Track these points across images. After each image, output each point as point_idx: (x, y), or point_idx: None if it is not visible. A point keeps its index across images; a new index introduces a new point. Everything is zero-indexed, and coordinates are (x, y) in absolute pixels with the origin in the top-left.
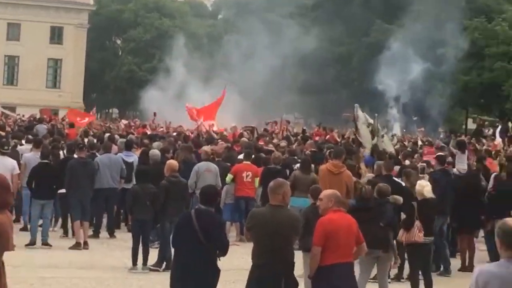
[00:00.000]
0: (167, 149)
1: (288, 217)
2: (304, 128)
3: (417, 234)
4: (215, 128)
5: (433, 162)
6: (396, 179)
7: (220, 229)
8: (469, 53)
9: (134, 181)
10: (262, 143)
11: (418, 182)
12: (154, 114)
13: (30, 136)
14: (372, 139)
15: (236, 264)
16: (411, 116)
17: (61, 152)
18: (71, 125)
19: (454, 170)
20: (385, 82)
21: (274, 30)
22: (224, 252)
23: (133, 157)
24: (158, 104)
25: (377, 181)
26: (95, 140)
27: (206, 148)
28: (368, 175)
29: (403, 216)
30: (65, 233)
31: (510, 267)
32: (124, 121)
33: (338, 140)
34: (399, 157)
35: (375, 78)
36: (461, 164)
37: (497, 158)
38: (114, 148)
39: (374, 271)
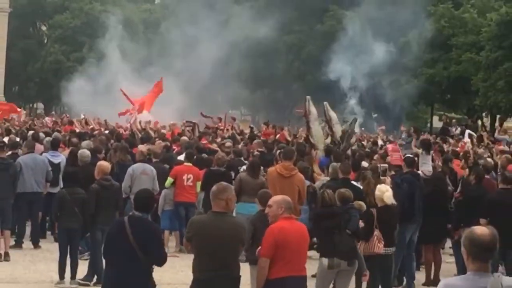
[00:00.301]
0: (99, 149)
1: (232, 225)
2: (251, 126)
3: (377, 245)
4: (151, 125)
5: (394, 162)
6: (355, 183)
7: (156, 238)
8: (434, 43)
9: (61, 185)
10: (205, 141)
11: (378, 186)
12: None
13: None
14: (326, 138)
15: (175, 278)
16: (370, 113)
17: None
18: None
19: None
20: (339, 69)
21: (219, 17)
22: (160, 264)
23: (60, 157)
24: (88, 98)
25: (335, 186)
26: (17, 139)
27: (142, 147)
28: (322, 178)
29: (361, 224)
30: None
31: (478, 280)
32: (49, 118)
33: (289, 139)
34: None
35: (329, 67)
36: (426, 166)
37: (464, 160)
38: (39, 147)
39: None
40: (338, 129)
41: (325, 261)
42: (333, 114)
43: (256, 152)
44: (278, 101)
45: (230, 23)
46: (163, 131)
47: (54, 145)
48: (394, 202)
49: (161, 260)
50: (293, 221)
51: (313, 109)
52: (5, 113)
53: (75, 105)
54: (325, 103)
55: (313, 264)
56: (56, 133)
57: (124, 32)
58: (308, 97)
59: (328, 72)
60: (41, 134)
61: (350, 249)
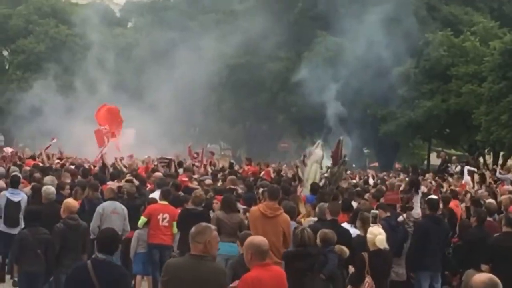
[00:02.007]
0: (63, 185)
1: (212, 269)
2: (232, 161)
3: None
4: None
5: (388, 201)
6: (345, 225)
7: (124, 283)
8: (432, 73)
9: (22, 225)
10: (186, 179)
11: (370, 229)
12: (52, 138)
13: None
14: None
15: None
16: (361, 148)
17: None
18: None
19: (404, 215)
20: (326, 99)
21: (196, 43)
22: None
23: (21, 195)
24: (54, 131)
25: (322, 227)
26: None
27: (112, 184)
28: (309, 219)
29: (351, 269)
30: None
31: None
32: (9, 149)
33: (272, 176)
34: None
35: (315, 95)
36: (415, 208)
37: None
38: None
39: None
40: (312, 167)
41: None
42: (318, 152)
43: (240, 191)
44: (261, 135)
45: (208, 49)
46: (134, 166)
47: (14, 183)
48: (386, 246)
49: None
50: (269, 268)
51: (319, 152)
52: None
53: (38, 140)
54: (319, 141)
55: None
56: (14, 168)
57: (92, 58)
58: (319, 141)
59: (314, 101)
60: (1, 169)
61: None
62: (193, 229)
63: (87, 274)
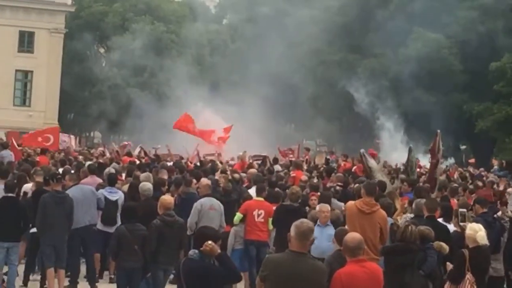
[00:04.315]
0: (162, 182)
1: (312, 266)
2: (328, 157)
3: None
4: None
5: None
6: (441, 221)
7: (208, 280)
8: None
9: (119, 223)
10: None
11: (470, 225)
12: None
13: None
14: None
15: None
16: (458, 144)
17: (30, 184)
18: (43, 151)
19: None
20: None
21: (291, 39)
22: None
23: (118, 194)
24: (150, 128)
25: (418, 224)
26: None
27: (206, 181)
28: (405, 216)
29: (449, 266)
30: (25, 283)
31: None
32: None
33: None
34: (446, 193)
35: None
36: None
37: None
38: (95, 179)
39: None
40: (379, 177)
41: None
42: (372, 163)
43: (337, 187)
44: (356, 131)
45: (303, 46)
46: (231, 162)
47: (111, 181)
48: (487, 242)
49: (235, 276)
50: (365, 264)
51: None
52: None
53: (138, 137)
54: (361, 150)
55: None
56: (114, 165)
57: (188, 56)
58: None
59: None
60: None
61: None
62: (304, 226)
63: (178, 272)
